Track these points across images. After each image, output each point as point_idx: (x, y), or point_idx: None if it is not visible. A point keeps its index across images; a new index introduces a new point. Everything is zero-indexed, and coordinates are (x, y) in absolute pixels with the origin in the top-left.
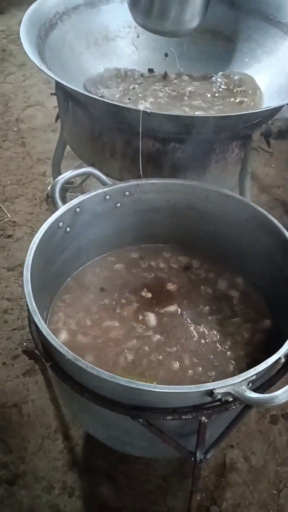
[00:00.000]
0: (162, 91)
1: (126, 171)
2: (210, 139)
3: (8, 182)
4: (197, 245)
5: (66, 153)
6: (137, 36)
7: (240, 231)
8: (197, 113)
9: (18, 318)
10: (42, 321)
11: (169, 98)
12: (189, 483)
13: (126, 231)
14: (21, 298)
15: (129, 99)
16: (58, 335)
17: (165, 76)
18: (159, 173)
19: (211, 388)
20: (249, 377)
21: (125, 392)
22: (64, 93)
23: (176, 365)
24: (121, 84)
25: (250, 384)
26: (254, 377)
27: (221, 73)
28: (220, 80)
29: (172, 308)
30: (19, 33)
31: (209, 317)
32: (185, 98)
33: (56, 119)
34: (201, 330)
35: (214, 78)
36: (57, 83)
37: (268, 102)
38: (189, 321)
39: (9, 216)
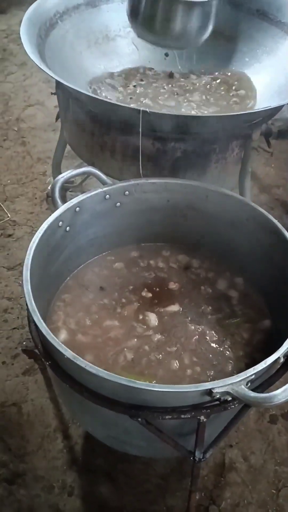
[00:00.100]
0: (165, 89)
1: (126, 171)
2: (210, 139)
3: (9, 181)
4: (197, 245)
5: (66, 152)
6: (138, 36)
7: (240, 231)
8: (193, 112)
9: (18, 317)
10: (41, 320)
11: (169, 97)
12: (188, 483)
13: (126, 231)
14: (21, 297)
15: (130, 98)
16: (57, 334)
17: (171, 75)
18: (159, 172)
19: (210, 387)
20: (248, 377)
21: (124, 391)
22: (64, 93)
23: (175, 364)
24: (125, 82)
25: (249, 384)
26: (253, 376)
27: (217, 73)
28: (218, 79)
29: (172, 307)
30: (19, 33)
31: (209, 317)
32: (185, 96)
33: (57, 119)
34: (201, 330)
35: (212, 77)
36: (57, 82)
37: (268, 101)
38: (189, 321)
39: (9, 215)
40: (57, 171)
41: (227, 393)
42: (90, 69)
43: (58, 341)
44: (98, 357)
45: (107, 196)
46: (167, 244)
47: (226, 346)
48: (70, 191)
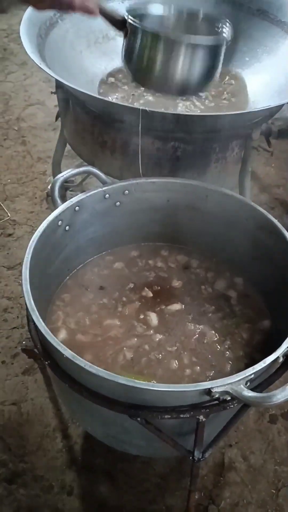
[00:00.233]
0: None
1: (126, 170)
2: (210, 138)
3: (9, 180)
4: (197, 245)
5: (67, 152)
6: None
7: (240, 230)
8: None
9: (17, 316)
10: (40, 320)
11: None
12: (187, 482)
13: (126, 230)
14: (21, 297)
15: (133, 94)
16: (57, 334)
17: None
18: (159, 172)
19: (209, 387)
20: (247, 376)
21: (123, 391)
22: (64, 92)
23: (175, 364)
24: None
25: (249, 383)
26: (252, 376)
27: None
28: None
29: (172, 307)
30: (20, 32)
31: (210, 317)
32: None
33: (57, 118)
34: (201, 329)
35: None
36: (57, 82)
37: (268, 101)
38: (189, 321)
39: (9, 214)
40: (57, 170)
41: (226, 392)
42: (90, 69)
43: (57, 340)
44: (97, 357)
45: (107, 195)
46: (167, 244)
47: (226, 347)
48: (70, 190)
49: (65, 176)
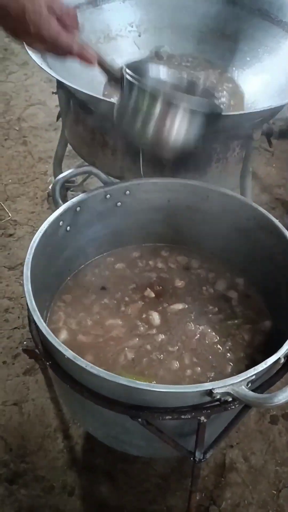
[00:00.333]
0: None
1: (127, 170)
2: (211, 138)
3: (10, 181)
4: (198, 245)
5: (68, 152)
6: (139, 35)
7: (241, 231)
8: None
9: (18, 317)
10: (41, 320)
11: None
12: (188, 483)
13: (127, 230)
14: (22, 297)
15: None
16: (58, 335)
17: None
18: (160, 172)
19: (210, 388)
20: (248, 377)
21: (124, 391)
22: (65, 92)
23: (176, 365)
24: None
25: (250, 384)
26: (254, 377)
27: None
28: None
29: (174, 307)
30: None
31: (211, 318)
32: None
33: (58, 118)
34: (202, 330)
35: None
36: (58, 82)
37: (269, 101)
38: (190, 321)
39: (10, 215)
40: (58, 170)
41: (228, 393)
42: (91, 69)
43: (58, 341)
44: (98, 357)
45: (108, 195)
46: (167, 245)
47: (227, 348)
48: (71, 191)
49: (66, 176)
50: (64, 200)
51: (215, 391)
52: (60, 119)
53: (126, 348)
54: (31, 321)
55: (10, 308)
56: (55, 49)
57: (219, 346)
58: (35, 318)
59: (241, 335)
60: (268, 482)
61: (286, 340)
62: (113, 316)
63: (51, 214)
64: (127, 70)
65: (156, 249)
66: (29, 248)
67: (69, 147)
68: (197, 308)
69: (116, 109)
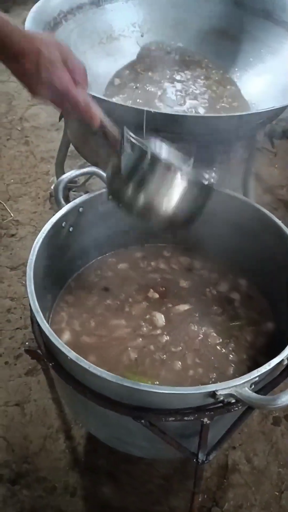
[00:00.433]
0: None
1: None
2: (214, 139)
3: (12, 181)
4: (200, 246)
5: (70, 152)
6: (142, 35)
7: (243, 231)
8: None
9: (21, 317)
10: (44, 321)
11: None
12: (191, 484)
13: (129, 231)
14: (24, 298)
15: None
16: (61, 335)
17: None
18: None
19: (214, 389)
20: (252, 379)
21: (127, 392)
22: None
23: (178, 365)
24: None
25: (253, 386)
26: (257, 378)
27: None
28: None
29: (179, 308)
30: None
31: (214, 319)
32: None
33: (60, 118)
34: (205, 331)
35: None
36: None
37: (272, 102)
38: (194, 322)
39: (12, 215)
40: (60, 170)
41: (231, 395)
42: (94, 69)
43: (61, 342)
44: (101, 357)
45: (111, 196)
46: (170, 245)
47: (229, 349)
48: (73, 191)
49: (69, 177)
50: (67, 200)
51: (218, 393)
52: (62, 119)
53: (129, 348)
54: (34, 322)
55: (12, 309)
56: (61, 101)
57: (221, 347)
58: (38, 319)
59: (243, 336)
60: (271, 483)
61: None
62: (116, 317)
63: (53, 214)
64: (130, 132)
65: (159, 249)
66: (32, 249)
67: (71, 147)
68: (201, 309)
69: (110, 169)
